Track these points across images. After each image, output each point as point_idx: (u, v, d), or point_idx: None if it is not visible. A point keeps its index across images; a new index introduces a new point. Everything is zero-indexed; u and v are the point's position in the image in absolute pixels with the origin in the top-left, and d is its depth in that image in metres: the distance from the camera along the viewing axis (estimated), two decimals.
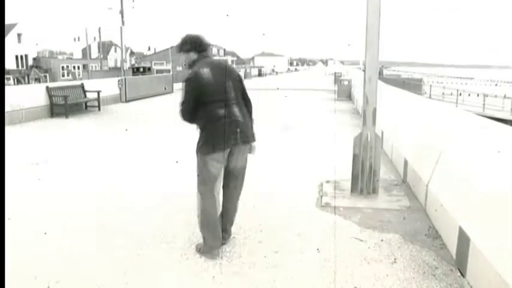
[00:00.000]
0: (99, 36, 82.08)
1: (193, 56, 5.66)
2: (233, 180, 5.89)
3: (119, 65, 70.27)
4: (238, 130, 5.48)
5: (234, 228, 6.16)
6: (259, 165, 10.28)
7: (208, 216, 5.63)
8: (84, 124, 17.26)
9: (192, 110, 5.55)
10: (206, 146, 5.47)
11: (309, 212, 7.30)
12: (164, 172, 9.79)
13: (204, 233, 5.72)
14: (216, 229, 5.70)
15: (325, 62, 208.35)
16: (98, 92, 21.31)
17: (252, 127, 5.77)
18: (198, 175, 5.66)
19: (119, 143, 13.33)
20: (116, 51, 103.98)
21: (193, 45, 5.66)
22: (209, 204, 5.63)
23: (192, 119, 5.63)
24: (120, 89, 25.51)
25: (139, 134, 15.01)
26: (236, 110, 5.51)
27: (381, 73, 54.48)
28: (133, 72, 61.91)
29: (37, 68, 76.15)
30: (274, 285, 4.97)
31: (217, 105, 5.41)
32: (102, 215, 7.17)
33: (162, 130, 15.82)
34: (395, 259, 5.50)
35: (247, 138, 5.65)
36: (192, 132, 5.60)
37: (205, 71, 5.44)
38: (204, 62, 5.58)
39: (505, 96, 39.71)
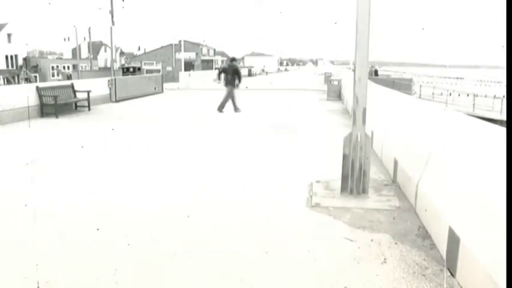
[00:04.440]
0: (89, 36, 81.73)
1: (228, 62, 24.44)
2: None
3: (108, 65, 70.00)
4: (226, 82, 20.87)
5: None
6: (248, 165, 10.32)
7: (226, 100, 20.76)
8: (74, 124, 17.19)
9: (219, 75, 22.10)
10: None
11: (298, 212, 7.30)
12: (152, 171, 9.79)
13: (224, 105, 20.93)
14: (222, 107, 20.74)
15: (315, 62, 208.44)
16: (88, 92, 21.26)
17: (234, 82, 20.76)
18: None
19: (109, 143, 13.30)
20: (105, 51, 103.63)
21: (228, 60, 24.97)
22: (233, 97, 20.95)
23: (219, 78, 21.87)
24: (110, 89, 25.45)
25: (128, 133, 14.99)
26: (229, 77, 20.78)
27: (375, 73, 54.50)
28: (123, 72, 61.88)
29: (33, 68, 76.10)
30: (265, 285, 4.97)
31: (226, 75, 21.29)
32: (93, 211, 7.16)
33: (151, 129, 15.83)
34: (385, 259, 5.50)
35: (227, 84, 20.79)
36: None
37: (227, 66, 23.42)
38: (228, 64, 23.23)
39: (494, 96, 39.84)
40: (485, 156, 5.40)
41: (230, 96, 20.86)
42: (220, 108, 20.75)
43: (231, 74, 21.00)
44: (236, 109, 20.77)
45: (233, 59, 23.24)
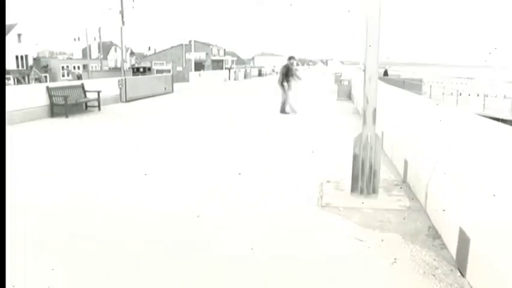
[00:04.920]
0: (99, 37, 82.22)
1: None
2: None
3: (119, 65, 70.29)
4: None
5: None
6: (257, 164, 10.31)
7: (285, 101, 20.16)
8: (84, 124, 17.22)
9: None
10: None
11: (309, 211, 7.30)
12: (161, 171, 9.81)
13: (286, 106, 20.27)
14: (285, 106, 20.29)
15: (325, 62, 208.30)
16: (98, 92, 21.29)
17: (284, 82, 20.37)
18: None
19: (118, 143, 13.33)
20: (116, 51, 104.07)
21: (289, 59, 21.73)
22: (287, 98, 20.26)
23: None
24: (120, 89, 25.45)
25: (138, 133, 15.01)
26: (283, 77, 20.47)
27: (385, 73, 54.61)
28: (133, 72, 62.08)
29: (43, 68, 76.49)
30: (275, 285, 4.98)
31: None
32: (102, 210, 7.19)
33: (161, 129, 15.85)
34: (395, 259, 5.49)
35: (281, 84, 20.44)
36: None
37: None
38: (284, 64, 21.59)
39: (505, 97, 39.73)
40: (495, 156, 5.39)
41: (284, 96, 20.32)
42: (288, 110, 20.25)
43: (283, 73, 20.59)
44: (284, 110, 20.37)
45: (290, 58, 21.71)
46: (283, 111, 20.25)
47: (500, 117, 32.08)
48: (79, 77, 63.42)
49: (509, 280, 3.98)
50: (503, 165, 5.04)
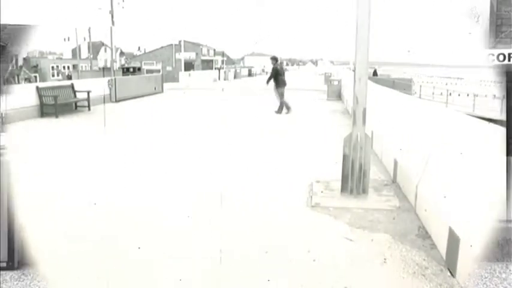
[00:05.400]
0: (89, 37, 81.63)
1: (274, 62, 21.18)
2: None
3: (108, 65, 69.97)
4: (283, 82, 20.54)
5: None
6: (248, 165, 10.30)
7: (283, 102, 20.24)
8: (74, 124, 17.18)
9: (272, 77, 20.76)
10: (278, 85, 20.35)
11: (299, 212, 7.30)
12: (151, 172, 9.78)
13: (284, 105, 20.34)
14: (287, 105, 20.37)
15: (315, 62, 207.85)
16: (88, 92, 21.23)
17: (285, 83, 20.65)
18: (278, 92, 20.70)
19: (110, 143, 13.27)
20: (105, 51, 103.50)
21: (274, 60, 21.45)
22: (283, 100, 20.26)
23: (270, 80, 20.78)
24: (110, 89, 25.36)
25: (127, 133, 14.96)
26: (284, 78, 20.59)
27: (374, 73, 54.67)
28: (123, 72, 61.86)
29: (33, 68, 76.13)
30: (266, 285, 4.97)
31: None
32: (97, 211, 7.16)
33: (151, 129, 15.81)
34: (385, 259, 5.49)
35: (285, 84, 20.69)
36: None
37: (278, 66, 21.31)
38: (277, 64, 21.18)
39: (494, 97, 39.80)
40: (485, 156, 5.40)
41: (277, 96, 20.42)
42: (287, 109, 20.38)
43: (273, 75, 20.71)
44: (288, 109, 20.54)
45: (274, 58, 21.82)
46: (288, 110, 20.40)
47: (490, 117, 32.17)
48: (69, 77, 63.20)
49: (498, 279, 3.99)
50: (492, 165, 5.05)
